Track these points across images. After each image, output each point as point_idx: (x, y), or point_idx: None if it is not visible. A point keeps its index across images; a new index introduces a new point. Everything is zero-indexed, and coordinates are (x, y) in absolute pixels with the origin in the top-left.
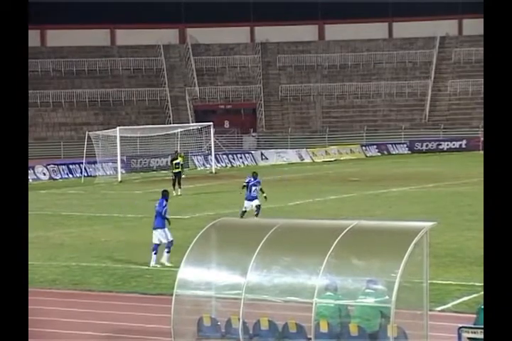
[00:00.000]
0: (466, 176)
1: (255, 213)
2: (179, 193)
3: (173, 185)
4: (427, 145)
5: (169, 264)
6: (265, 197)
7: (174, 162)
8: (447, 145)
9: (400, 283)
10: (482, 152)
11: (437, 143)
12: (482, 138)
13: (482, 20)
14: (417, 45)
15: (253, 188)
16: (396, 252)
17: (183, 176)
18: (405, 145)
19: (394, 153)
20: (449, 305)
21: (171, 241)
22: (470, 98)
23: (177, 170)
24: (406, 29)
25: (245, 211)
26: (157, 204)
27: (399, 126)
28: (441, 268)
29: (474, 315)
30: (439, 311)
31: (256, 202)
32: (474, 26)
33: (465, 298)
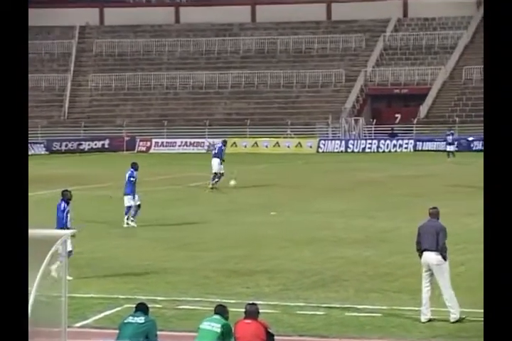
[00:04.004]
0: (110, 178)
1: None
2: None
3: None
4: (66, 145)
5: None
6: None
7: None
8: (88, 145)
9: (35, 297)
10: (126, 152)
11: (78, 142)
12: (126, 138)
13: (122, 9)
14: (55, 34)
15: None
16: (32, 263)
17: None
18: (43, 145)
19: (31, 153)
20: (89, 321)
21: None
22: (113, 94)
23: None
24: (41, 17)
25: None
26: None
27: (35, 123)
28: (83, 280)
29: (117, 331)
30: (79, 327)
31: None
32: (116, 16)
33: (107, 312)
